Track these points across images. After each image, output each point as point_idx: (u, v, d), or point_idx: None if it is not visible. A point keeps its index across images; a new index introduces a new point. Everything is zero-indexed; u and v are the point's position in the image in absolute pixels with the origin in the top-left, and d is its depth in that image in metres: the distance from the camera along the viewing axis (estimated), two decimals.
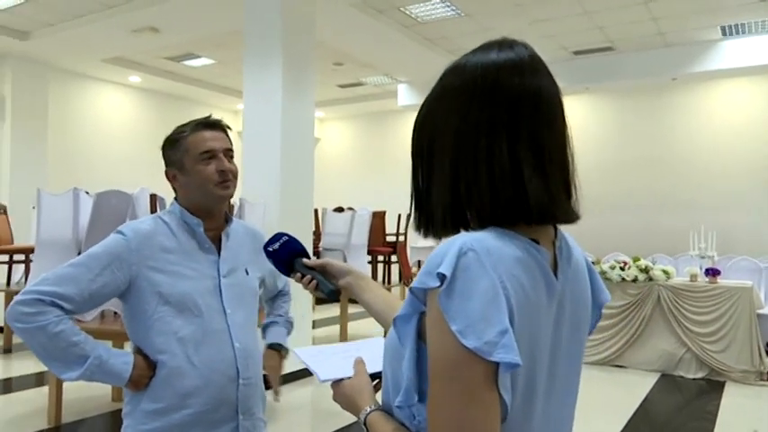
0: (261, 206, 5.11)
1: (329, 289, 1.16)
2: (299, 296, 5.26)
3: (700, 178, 8.21)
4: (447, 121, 0.81)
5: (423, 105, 0.87)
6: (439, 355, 0.72)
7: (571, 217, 0.83)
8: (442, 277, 0.71)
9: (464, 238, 0.74)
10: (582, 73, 7.97)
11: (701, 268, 5.91)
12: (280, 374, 1.80)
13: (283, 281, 1.96)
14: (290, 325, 1.93)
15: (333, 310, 8.77)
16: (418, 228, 0.86)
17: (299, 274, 1.21)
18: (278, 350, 1.82)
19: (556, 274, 0.82)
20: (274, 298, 1.95)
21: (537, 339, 0.76)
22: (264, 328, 1.90)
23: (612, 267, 5.91)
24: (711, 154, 8.19)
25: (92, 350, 1.44)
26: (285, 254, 1.24)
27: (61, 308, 1.43)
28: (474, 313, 0.69)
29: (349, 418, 4.18)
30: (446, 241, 0.76)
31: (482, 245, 0.73)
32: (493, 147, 0.78)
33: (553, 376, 0.82)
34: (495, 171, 0.77)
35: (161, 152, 1.66)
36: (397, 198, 9.99)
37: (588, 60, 8.00)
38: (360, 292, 1.13)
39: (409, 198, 0.87)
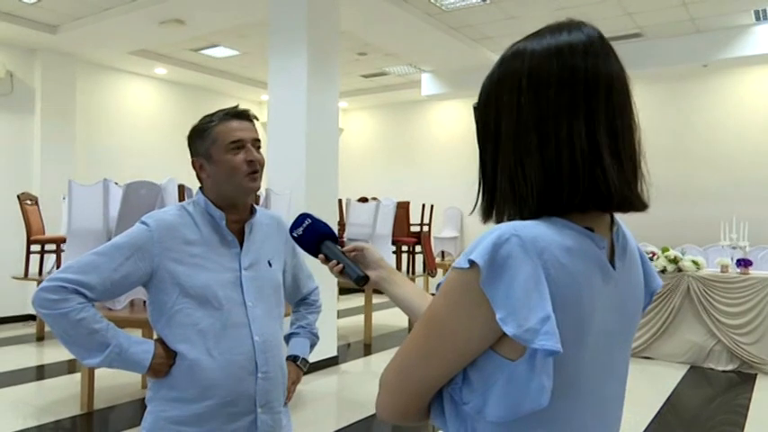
0: (286, 196, 5.14)
1: (357, 275, 1.12)
2: (324, 286, 5.29)
3: (731, 167, 8.03)
4: (518, 107, 0.79)
5: (482, 89, 0.85)
6: (434, 315, 0.77)
7: (644, 204, 0.82)
8: (471, 263, 0.71)
9: (508, 225, 0.74)
10: None
11: (731, 259, 5.80)
12: (295, 387, 1.77)
13: (310, 287, 1.91)
14: (313, 336, 1.88)
15: (357, 300, 8.81)
16: (485, 214, 0.85)
17: (322, 256, 1.18)
18: (295, 362, 1.77)
19: (613, 262, 0.82)
20: (299, 304, 1.90)
21: (589, 327, 0.76)
22: (286, 339, 1.85)
23: None
24: (743, 142, 8.00)
25: (112, 338, 1.46)
26: (310, 237, 1.20)
27: (84, 296, 1.45)
28: (516, 301, 0.69)
29: (374, 408, 4.22)
30: (491, 227, 0.76)
31: (529, 232, 0.72)
32: (572, 132, 0.76)
33: (607, 363, 0.82)
34: (576, 157, 0.76)
35: (188, 141, 1.65)
36: (421, 188, 10.03)
37: (616, 47, 7.61)
38: (392, 287, 1.11)
39: (478, 184, 0.85)
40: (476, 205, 0.86)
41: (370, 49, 8.07)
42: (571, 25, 0.81)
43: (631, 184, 0.79)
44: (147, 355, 1.49)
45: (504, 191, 0.81)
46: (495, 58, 0.87)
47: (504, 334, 0.70)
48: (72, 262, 1.48)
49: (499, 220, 0.82)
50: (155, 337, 1.61)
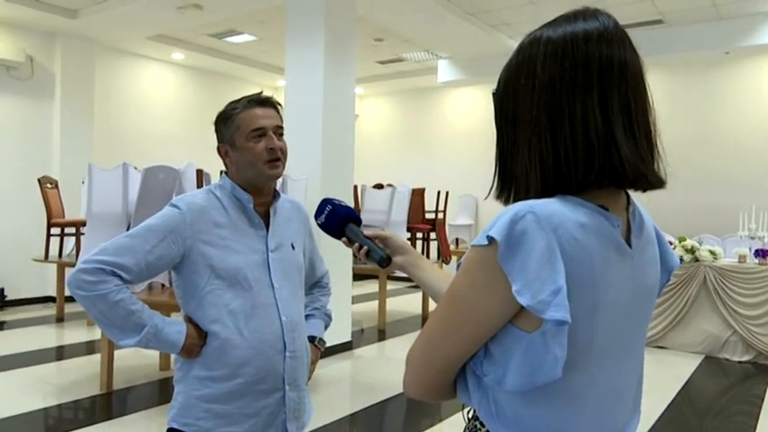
0: (303, 182, 5.16)
1: (380, 256, 1.15)
2: (339, 271, 5.32)
3: (751, 156, 7.92)
4: (533, 91, 0.82)
5: (501, 77, 0.88)
6: (455, 293, 0.80)
7: (661, 181, 0.84)
8: (490, 239, 0.74)
9: (524, 203, 0.76)
10: None
11: (750, 249, 5.74)
12: (314, 366, 1.81)
13: (323, 270, 1.96)
14: (327, 318, 1.93)
15: (371, 286, 8.85)
16: (500, 195, 0.88)
17: (345, 239, 1.21)
18: (313, 342, 1.81)
19: (629, 241, 0.84)
20: (312, 287, 1.94)
21: (602, 301, 0.78)
22: None
23: None
24: (764, 131, 7.88)
25: (148, 319, 1.50)
26: (334, 222, 1.23)
27: (120, 277, 1.48)
28: (531, 273, 0.72)
29: (388, 392, 4.25)
30: (508, 206, 0.78)
31: (544, 209, 0.75)
32: (587, 112, 0.79)
33: (622, 339, 0.85)
34: (590, 136, 0.78)
35: (214, 127, 1.69)
36: (436, 175, 10.01)
37: (637, 34, 7.44)
38: (418, 272, 1.13)
39: (493, 165, 0.89)
40: (491, 188, 0.89)
41: (387, 34, 8.04)
42: (586, 13, 0.83)
43: (646, 161, 0.81)
44: (180, 335, 1.53)
45: (518, 172, 0.84)
46: (513, 44, 0.89)
47: (522, 307, 0.73)
48: (106, 244, 1.51)
49: (514, 201, 0.85)
50: (174, 317, 1.64)
